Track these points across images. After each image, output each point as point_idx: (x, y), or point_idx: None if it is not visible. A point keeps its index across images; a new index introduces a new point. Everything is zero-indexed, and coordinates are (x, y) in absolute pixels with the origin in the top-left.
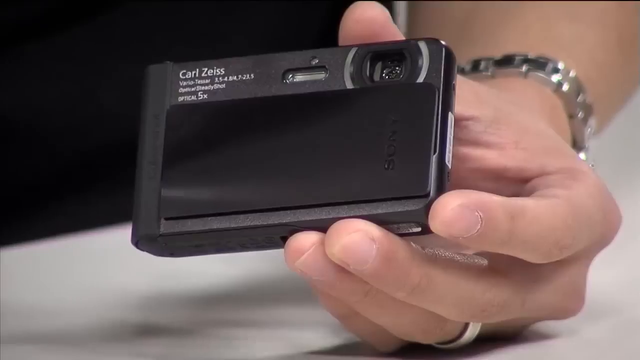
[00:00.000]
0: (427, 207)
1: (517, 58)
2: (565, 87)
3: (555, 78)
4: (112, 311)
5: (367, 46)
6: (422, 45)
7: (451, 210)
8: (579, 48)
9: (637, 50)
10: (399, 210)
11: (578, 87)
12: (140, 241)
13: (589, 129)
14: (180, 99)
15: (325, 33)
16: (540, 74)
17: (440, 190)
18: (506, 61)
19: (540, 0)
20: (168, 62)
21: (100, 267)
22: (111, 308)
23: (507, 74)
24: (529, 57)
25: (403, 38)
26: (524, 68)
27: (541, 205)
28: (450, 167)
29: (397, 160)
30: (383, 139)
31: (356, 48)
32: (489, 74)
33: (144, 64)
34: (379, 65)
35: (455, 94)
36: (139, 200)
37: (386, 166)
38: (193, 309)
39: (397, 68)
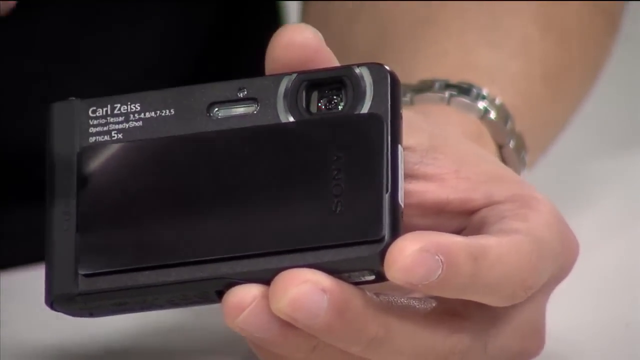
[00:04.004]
0: (382, 253)
1: (437, 84)
2: (492, 115)
3: (481, 105)
4: None
5: (301, 74)
6: (364, 71)
7: (409, 255)
8: (501, 76)
9: (565, 86)
10: (350, 257)
11: (505, 115)
12: (56, 302)
13: (523, 162)
14: (92, 139)
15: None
16: (465, 100)
17: (396, 233)
18: (425, 87)
19: (457, 27)
20: (73, 98)
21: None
22: None
23: (428, 100)
24: (450, 82)
25: (338, 63)
26: (447, 94)
27: (504, 244)
28: (403, 206)
29: (345, 202)
30: (327, 177)
31: (289, 76)
32: (407, 100)
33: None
34: (315, 95)
35: (402, 123)
36: (51, 256)
37: (333, 208)
38: None
39: (335, 97)
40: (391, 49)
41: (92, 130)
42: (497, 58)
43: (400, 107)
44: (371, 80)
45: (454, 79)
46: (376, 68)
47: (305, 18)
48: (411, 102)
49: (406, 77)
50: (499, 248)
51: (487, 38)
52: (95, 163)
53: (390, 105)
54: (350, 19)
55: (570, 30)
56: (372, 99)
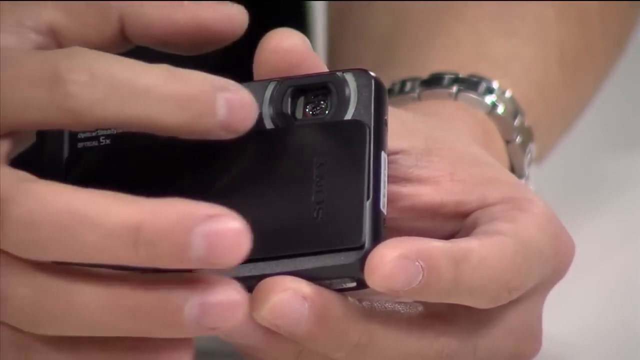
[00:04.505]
0: (362, 260)
1: (447, 77)
2: (500, 109)
3: (489, 99)
4: None
5: (287, 80)
6: (349, 77)
7: (390, 262)
8: (515, 66)
9: (581, 69)
10: (330, 264)
11: (515, 109)
12: None
13: (529, 155)
14: (80, 145)
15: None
16: (472, 95)
17: (376, 240)
18: (434, 81)
19: (471, 15)
20: None
21: None
22: None
23: (435, 96)
24: (460, 76)
25: (326, 69)
26: (454, 89)
27: (486, 246)
28: (385, 213)
29: (326, 209)
30: (310, 184)
31: (275, 82)
32: (415, 95)
33: None
34: (301, 101)
35: (387, 130)
36: None
37: (315, 215)
38: None
39: (322, 103)
40: (406, 38)
41: (81, 136)
42: (511, 47)
43: (385, 113)
44: (355, 86)
45: (467, 70)
46: (360, 74)
47: (330, 14)
48: (419, 98)
49: (420, 68)
50: (481, 251)
51: (501, 26)
52: (82, 169)
53: (374, 111)
54: (367, 9)
55: (590, 7)
56: (357, 105)
